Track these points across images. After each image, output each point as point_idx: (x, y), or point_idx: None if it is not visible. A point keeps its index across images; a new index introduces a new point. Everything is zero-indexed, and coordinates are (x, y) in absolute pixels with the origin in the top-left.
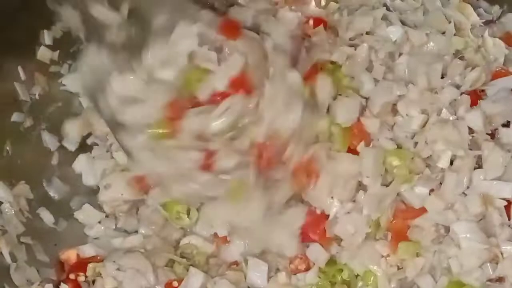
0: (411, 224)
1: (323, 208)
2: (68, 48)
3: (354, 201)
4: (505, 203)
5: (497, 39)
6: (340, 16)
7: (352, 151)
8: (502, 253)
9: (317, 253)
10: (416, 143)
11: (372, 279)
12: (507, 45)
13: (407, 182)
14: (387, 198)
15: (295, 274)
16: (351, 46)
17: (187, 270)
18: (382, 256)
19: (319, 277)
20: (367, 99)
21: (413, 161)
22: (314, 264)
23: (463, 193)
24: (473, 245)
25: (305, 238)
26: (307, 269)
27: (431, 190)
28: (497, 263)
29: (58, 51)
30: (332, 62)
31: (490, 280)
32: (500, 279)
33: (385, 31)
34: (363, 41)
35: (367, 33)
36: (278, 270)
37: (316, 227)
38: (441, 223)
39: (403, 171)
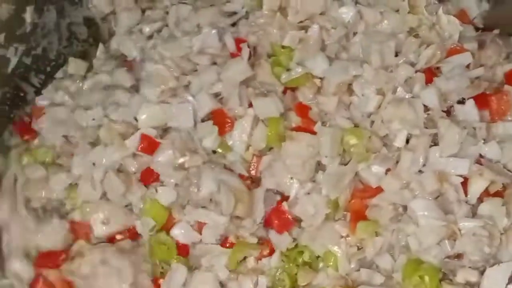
0: (369, 203)
1: (282, 190)
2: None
3: (314, 181)
4: (461, 179)
5: (452, 16)
6: None
7: (310, 131)
8: (460, 230)
9: (279, 237)
10: (372, 122)
11: (332, 259)
12: (462, 22)
13: (364, 161)
14: (345, 178)
15: (260, 259)
16: (301, 29)
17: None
18: (342, 237)
19: (283, 261)
20: (322, 79)
21: (370, 139)
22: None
23: (420, 171)
24: (431, 222)
25: (268, 223)
26: (272, 253)
27: (388, 170)
28: (455, 240)
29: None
30: (284, 47)
31: (448, 257)
32: (458, 256)
33: (337, 12)
34: (313, 22)
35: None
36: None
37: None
38: (397, 202)
39: (360, 149)
